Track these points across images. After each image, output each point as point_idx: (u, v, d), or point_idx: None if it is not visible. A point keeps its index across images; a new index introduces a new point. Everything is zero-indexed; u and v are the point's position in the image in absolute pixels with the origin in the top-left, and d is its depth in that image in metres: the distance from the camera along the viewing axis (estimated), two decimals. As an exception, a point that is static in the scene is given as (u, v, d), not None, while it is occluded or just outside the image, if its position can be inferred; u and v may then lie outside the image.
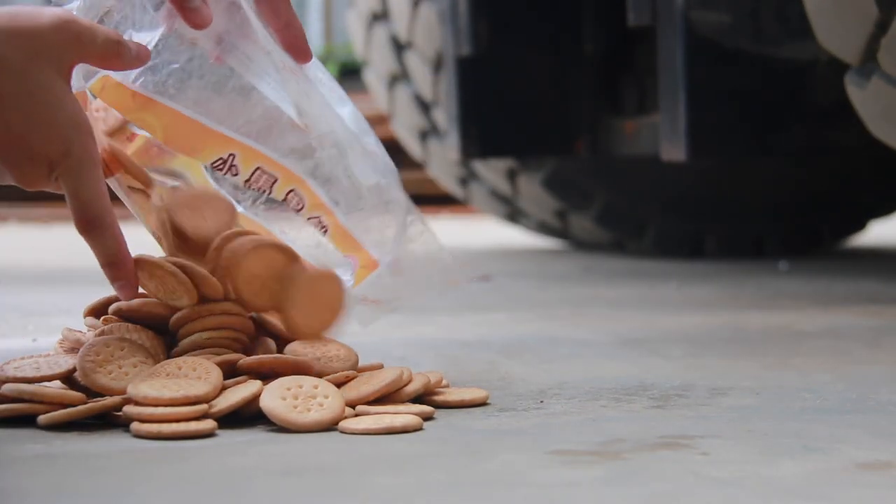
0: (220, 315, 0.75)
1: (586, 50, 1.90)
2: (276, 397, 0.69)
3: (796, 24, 1.45)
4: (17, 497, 0.55)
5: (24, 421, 0.70)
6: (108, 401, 0.70)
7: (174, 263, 0.74)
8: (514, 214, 2.19)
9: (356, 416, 0.71)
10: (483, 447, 0.65)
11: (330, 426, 0.69)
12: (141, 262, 0.74)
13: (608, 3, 1.86)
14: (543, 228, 2.20)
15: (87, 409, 0.69)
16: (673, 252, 2.05)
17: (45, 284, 1.65)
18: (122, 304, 0.75)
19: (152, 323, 0.75)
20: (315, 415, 0.69)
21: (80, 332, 0.77)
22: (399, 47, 2.05)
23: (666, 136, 1.52)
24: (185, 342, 0.74)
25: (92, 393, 0.71)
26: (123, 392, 0.70)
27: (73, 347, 0.76)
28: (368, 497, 0.55)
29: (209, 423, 0.68)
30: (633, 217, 2.04)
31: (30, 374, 0.72)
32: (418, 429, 0.69)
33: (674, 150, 1.50)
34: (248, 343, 0.76)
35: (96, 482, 0.58)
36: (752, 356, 0.98)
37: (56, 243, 2.57)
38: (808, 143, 1.60)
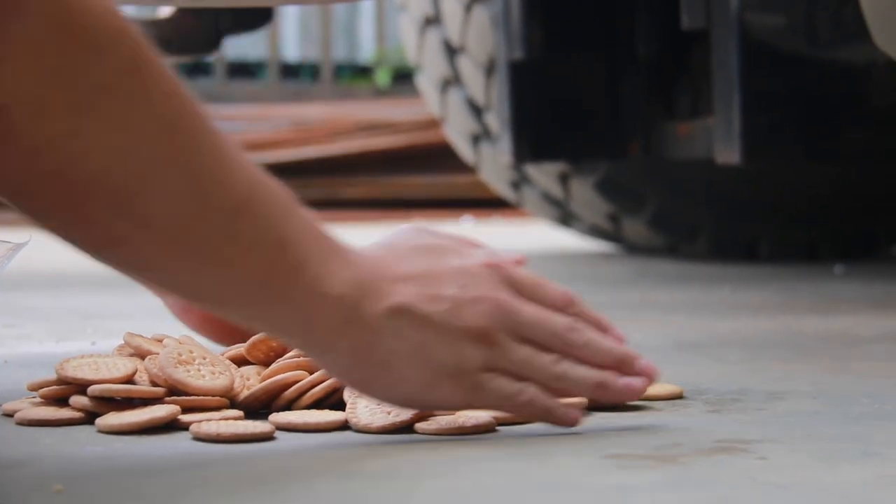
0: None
1: (639, 53, 1.89)
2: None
3: (853, 27, 1.44)
4: (79, 499, 0.56)
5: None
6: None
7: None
8: (566, 218, 2.18)
9: (433, 416, 0.70)
10: (539, 450, 0.65)
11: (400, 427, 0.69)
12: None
13: (662, 6, 1.85)
14: (596, 232, 2.19)
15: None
16: (727, 256, 2.03)
17: (104, 287, 1.66)
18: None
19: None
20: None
21: (142, 336, 0.78)
22: (451, 52, 2.05)
23: (720, 139, 1.51)
24: None
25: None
26: (203, 390, 0.71)
27: (134, 353, 0.77)
28: (422, 500, 0.56)
29: (268, 427, 0.68)
30: (686, 220, 2.03)
31: (89, 375, 0.72)
32: (491, 430, 0.69)
33: (728, 153, 1.49)
34: None
35: (155, 484, 0.58)
36: (809, 361, 0.97)
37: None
38: (863, 146, 1.58)
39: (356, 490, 0.57)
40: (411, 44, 2.16)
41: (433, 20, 2.06)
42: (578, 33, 1.88)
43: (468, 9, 1.98)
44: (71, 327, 1.21)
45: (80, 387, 0.72)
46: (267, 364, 0.76)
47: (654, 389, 0.76)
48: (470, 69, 2.02)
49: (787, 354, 1.01)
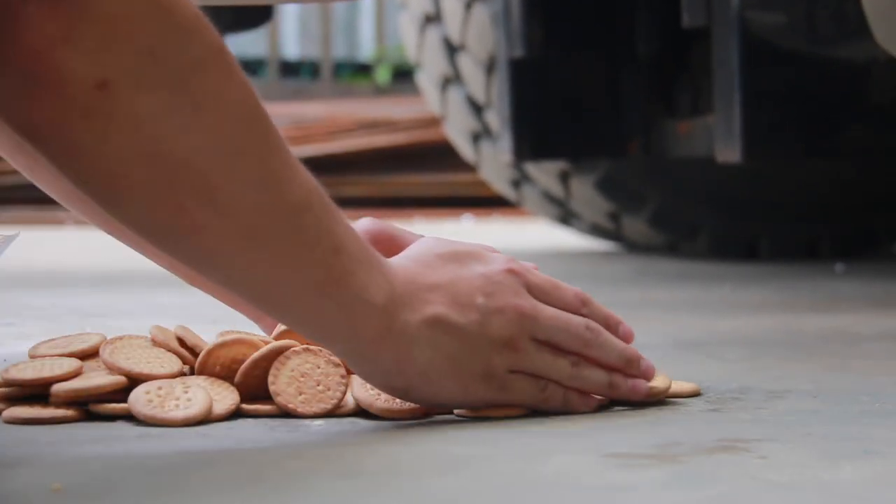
0: None
1: (640, 51, 1.89)
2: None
3: (853, 24, 1.44)
4: (78, 497, 0.56)
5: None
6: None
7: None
8: (566, 216, 2.18)
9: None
10: (538, 449, 0.65)
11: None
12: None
13: (662, 5, 1.85)
14: (596, 230, 2.19)
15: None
16: (727, 254, 2.04)
17: (104, 286, 1.66)
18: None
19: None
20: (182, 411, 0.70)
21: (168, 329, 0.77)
22: (452, 49, 2.05)
23: (721, 138, 1.51)
24: None
25: None
26: (131, 372, 0.72)
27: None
28: (423, 500, 0.55)
29: (71, 412, 0.71)
30: (686, 219, 2.03)
31: (29, 375, 0.73)
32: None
33: (728, 152, 1.49)
34: None
35: (155, 482, 0.58)
36: (810, 359, 0.97)
37: (114, 245, 2.59)
38: (864, 143, 1.58)
39: (356, 490, 0.57)
40: (411, 42, 2.16)
41: (433, 18, 2.06)
42: (579, 31, 1.88)
43: (468, 7, 1.98)
44: (70, 326, 1.20)
45: (27, 387, 0.73)
46: (222, 377, 0.74)
47: (673, 387, 0.78)
48: (470, 67, 2.02)
49: (787, 353, 1.01)
